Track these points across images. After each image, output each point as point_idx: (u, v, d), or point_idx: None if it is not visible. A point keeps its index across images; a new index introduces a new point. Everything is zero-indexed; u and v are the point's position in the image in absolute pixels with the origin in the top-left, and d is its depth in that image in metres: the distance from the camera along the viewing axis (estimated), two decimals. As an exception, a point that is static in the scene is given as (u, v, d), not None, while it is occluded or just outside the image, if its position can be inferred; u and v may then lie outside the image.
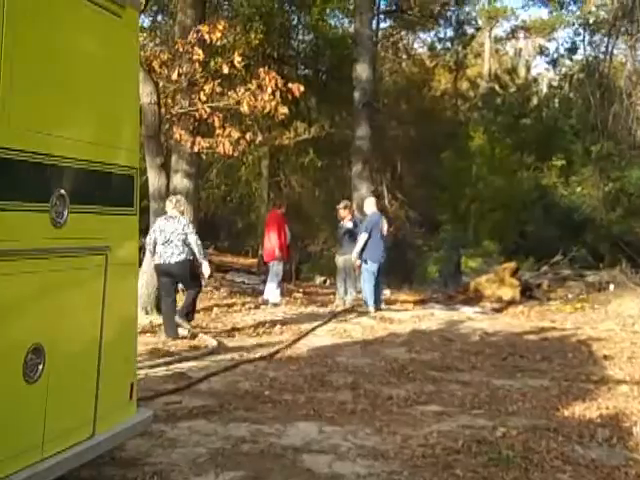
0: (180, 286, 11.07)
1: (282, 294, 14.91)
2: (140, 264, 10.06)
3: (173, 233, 10.25)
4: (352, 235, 14.63)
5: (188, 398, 7.13)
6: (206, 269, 10.51)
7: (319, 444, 5.88)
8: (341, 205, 15.43)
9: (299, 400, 7.26)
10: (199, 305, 12.08)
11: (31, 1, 3.85)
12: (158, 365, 8.41)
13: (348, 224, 14.93)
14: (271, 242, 14.80)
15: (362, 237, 13.89)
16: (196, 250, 10.26)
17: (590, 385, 8.31)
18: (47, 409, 3.95)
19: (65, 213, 4.03)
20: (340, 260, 15.22)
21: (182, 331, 10.41)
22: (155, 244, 10.38)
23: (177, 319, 10.35)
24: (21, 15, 3.73)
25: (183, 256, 10.23)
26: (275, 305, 14.12)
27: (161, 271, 10.52)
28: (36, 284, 3.89)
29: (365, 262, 13.97)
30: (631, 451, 5.92)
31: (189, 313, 10.69)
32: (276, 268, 14.73)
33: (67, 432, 4.12)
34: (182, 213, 10.74)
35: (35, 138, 3.84)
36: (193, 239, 10.26)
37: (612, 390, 8.04)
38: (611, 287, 18.62)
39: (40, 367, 3.89)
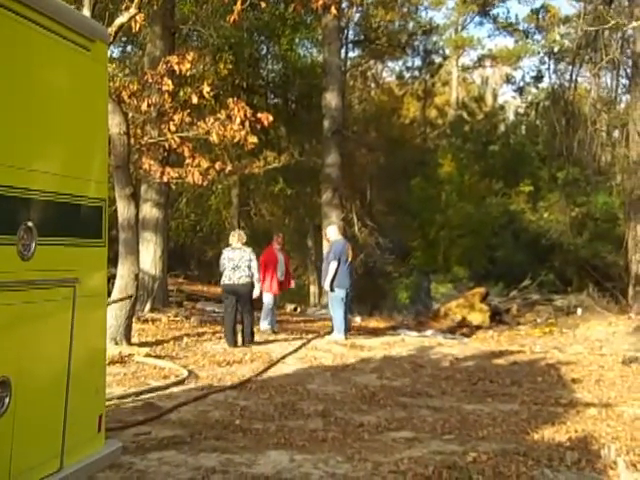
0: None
1: (270, 324, 15.02)
2: (109, 294, 10.10)
3: (241, 260, 12.60)
4: None
5: (158, 428, 7.06)
6: (257, 291, 12.93)
7: (290, 473, 5.85)
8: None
9: (270, 429, 7.23)
10: (169, 335, 12.05)
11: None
12: (128, 396, 8.35)
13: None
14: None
15: (332, 265, 13.88)
16: (255, 275, 12.70)
17: (559, 408, 8.37)
18: (13, 443, 3.90)
19: (32, 245, 4.01)
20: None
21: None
22: (224, 269, 12.70)
23: (247, 341, 12.58)
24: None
25: (248, 279, 12.60)
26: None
27: (230, 290, 12.71)
28: (3, 316, 3.86)
29: (332, 290, 13.95)
30: (599, 474, 5.96)
31: (253, 333, 13.03)
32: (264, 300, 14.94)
33: (34, 466, 4.07)
34: (245, 244, 12.93)
35: (1, 171, 3.82)
36: (254, 265, 12.67)
37: (581, 413, 8.10)
38: (579, 311, 18.80)
39: (6, 400, 3.84)
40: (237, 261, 12.65)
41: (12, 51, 3.96)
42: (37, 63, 4.17)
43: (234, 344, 12.30)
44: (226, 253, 12.92)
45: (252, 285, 12.74)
